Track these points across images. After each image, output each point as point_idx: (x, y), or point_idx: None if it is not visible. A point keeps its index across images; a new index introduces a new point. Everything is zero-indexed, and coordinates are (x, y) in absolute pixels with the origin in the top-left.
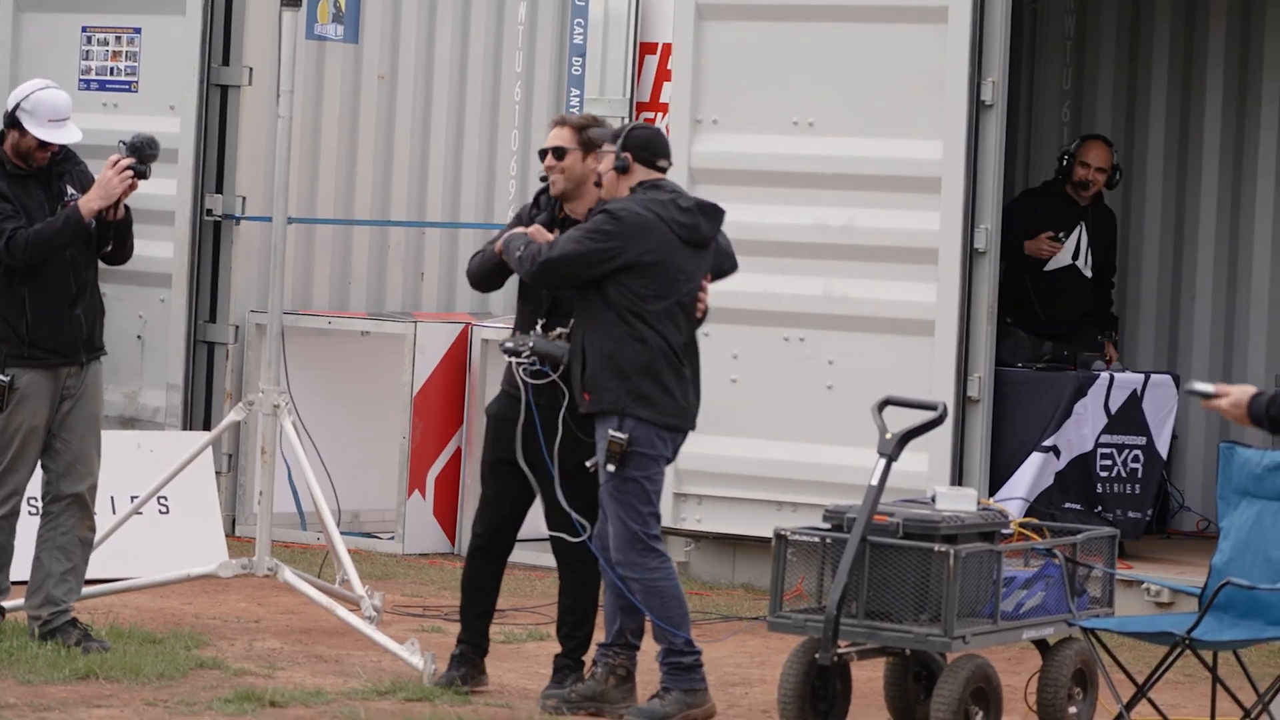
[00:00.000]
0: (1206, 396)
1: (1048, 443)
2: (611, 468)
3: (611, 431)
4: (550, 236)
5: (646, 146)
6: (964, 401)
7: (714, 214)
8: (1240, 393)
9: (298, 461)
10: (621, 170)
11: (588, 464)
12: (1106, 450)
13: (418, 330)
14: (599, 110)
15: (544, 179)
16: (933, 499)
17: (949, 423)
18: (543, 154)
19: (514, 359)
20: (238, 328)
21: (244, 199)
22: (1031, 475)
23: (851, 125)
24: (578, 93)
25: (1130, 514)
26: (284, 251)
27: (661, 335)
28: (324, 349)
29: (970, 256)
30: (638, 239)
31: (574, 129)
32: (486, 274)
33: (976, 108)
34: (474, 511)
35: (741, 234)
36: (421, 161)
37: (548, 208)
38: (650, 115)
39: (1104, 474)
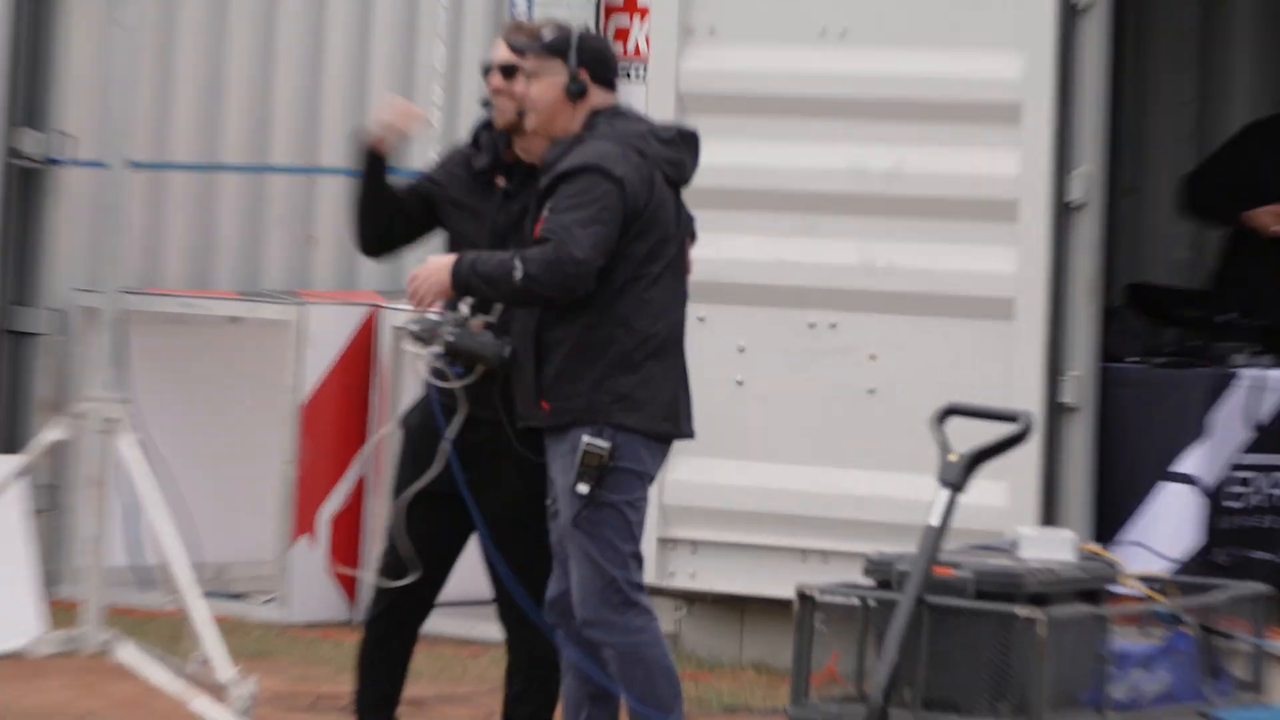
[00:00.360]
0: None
1: (1184, 468)
2: (584, 488)
3: (588, 438)
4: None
5: (604, 61)
6: (1056, 410)
7: (695, 144)
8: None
9: (142, 496)
10: (577, 95)
11: (550, 501)
12: (1245, 475)
13: (306, 315)
14: (555, 13)
15: (486, 105)
16: (1015, 545)
17: (1036, 439)
18: (486, 71)
19: (416, 349)
20: (59, 313)
21: (69, 137)
22: (1172, 520)
23: (898, 33)
24: None
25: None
26: (123, 208)
27: (648, 313)
28: (179, 341)
29: (1062, 211)
30: (640, 195)
31: (530, 38)
32: (368, 211)
33: (1070, 11)
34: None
35: (748, 182)
36: (312, 87)
37: (490, 148)
38: (624, 21)
39: (1235, 504)
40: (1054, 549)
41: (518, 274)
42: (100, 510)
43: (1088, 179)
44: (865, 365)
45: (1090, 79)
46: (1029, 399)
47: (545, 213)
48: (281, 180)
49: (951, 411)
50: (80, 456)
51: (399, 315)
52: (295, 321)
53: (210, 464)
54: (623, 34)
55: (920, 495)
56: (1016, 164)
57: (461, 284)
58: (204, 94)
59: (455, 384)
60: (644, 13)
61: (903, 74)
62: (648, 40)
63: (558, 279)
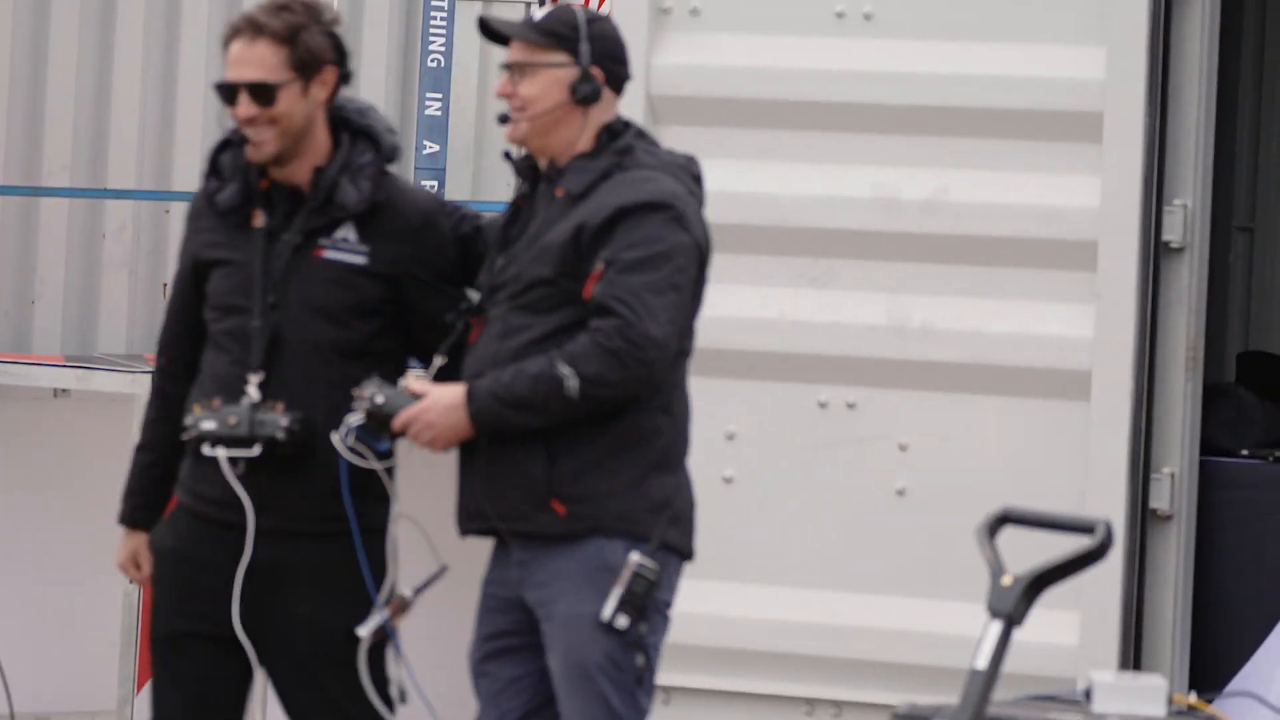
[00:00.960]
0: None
1: None
2: (624, 621)
3: (639, 558)
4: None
5: (619, 55)
6: (1144, 518)
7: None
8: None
9: None
10: (589, 100)
11: (362, 630)
12: None
13: None
14: None
15: (235, 137)
16: (1088, 695)
17: (1117, 555)
18: (228, 93)
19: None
20: None
21: None
22: None
23: (939, 20)
24: None
25: None
26: None
27: (683, 398)
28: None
29: (1156, 255)
30: (706, 249)
31: (276, 40)
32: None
33: None
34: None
35: (741, 215)
36: (164, 87)
37: (237, 175)
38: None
39: None
40: (1138, 701)
41: (570, 384)
42: None
43: (1188, 214)
44: (893, 458)
45: (1193, 83)
46: (1108, 503)
47: (599, 265)
48: (123, 209)
49: (1006, 520)
50: None
51: None
52: (142, 395)
53: (30, 584)
54: None
55: (964, 630)
56: (1096, 193)
57: (488, 422)
58: (20, 99)
59: (377, 465)
60: None
61: (945, 73)
62: None
63: (630, 371)
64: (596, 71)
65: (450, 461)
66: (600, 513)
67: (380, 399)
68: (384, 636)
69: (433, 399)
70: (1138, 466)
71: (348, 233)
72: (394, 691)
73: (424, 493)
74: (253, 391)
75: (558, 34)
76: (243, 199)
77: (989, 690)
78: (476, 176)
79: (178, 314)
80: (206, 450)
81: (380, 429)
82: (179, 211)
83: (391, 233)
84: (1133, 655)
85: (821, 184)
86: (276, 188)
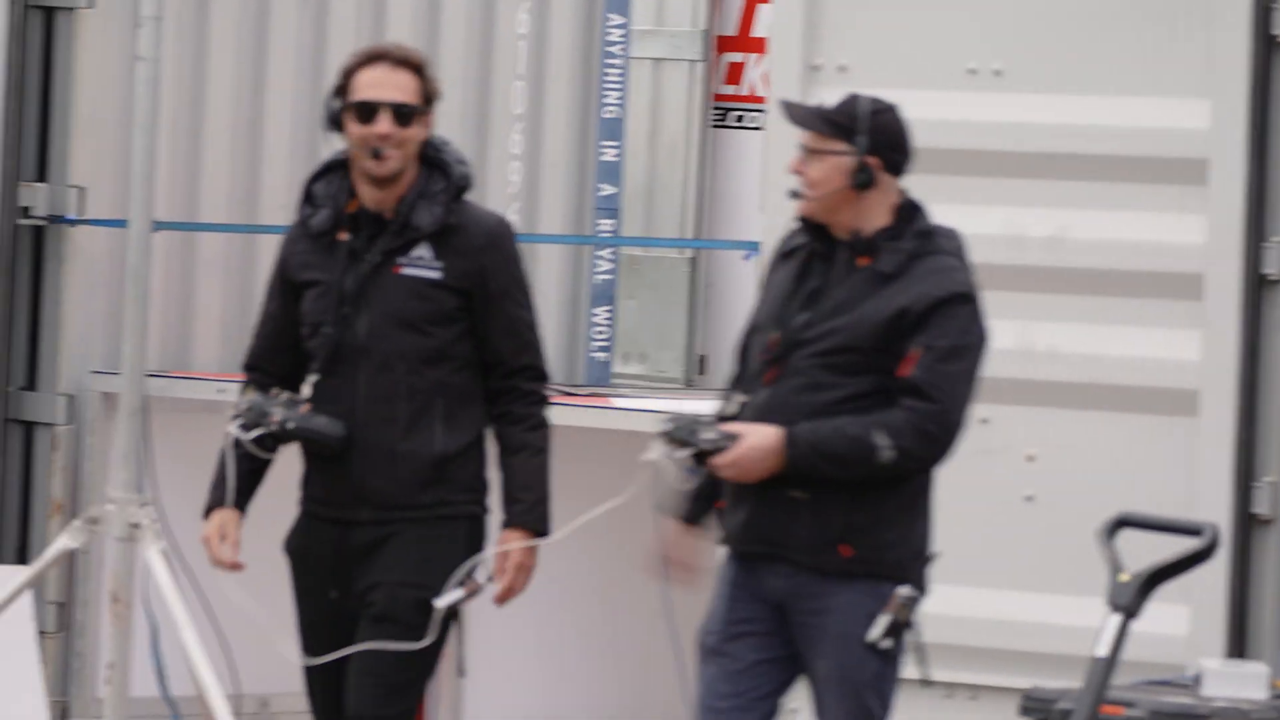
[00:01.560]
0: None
1: None
2: (888, 644)
3: (905, 590)
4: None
5: (898, 144)
6: (1247, 522)
7: None
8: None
9: (170, 616)
10: (865, 186)
11: (439, 601)
12: None
13: None
14: (655, 47)
15: (332, 164)
16: (1197, 680)
17: (1223, 555)
18: (368, 111)
19: (664, 454)
20: (71, 398)
21: (82, 191)
22: None
23: (1062, 76)
24: (619, 20)
25: None
26: (147, 276)
27: None
28: (211, 433)
29: (1257, 286)
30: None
31: (414, 72)
32: None
33: (1267, 46)
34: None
35: None
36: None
37: (329, 201)
38: (737, 58)
39: None
40: (1243, 685)
41: (885, 454)
42: (122, 632)
43: None
44: (1022, 467)
45: None
46: (1215, 508)
47: (917, 349)
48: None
49: (1123, 523)
50: (98, 569)
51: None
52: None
53: (250, 577)
54: (737, 72)
55: (1086, 621)
56: (1202, 230)
57: (800, 468)
58: (242, 141)
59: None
60: (762, 48)
61: (1066, 123)
62: (766, 80)
63: (935, 452)
64: (874, 160)
65: None
66: (880, 559)
67: (710, 438)
68: (453, 614)
69: (752, 443)
70: (1241, 475)
71: (423, 251)
72: (455, 666)
73: None
74: (306, 390)
75: (840, 125)
76: (333, 223)
77: (1109, 675)
78: (648, 215)
79: (269, 333)
80: (232, 431)
81: (698, 462)
82: None
83: (461, 251)
84: (1238, 644)
85: (956, 222)
86: (363, 213)
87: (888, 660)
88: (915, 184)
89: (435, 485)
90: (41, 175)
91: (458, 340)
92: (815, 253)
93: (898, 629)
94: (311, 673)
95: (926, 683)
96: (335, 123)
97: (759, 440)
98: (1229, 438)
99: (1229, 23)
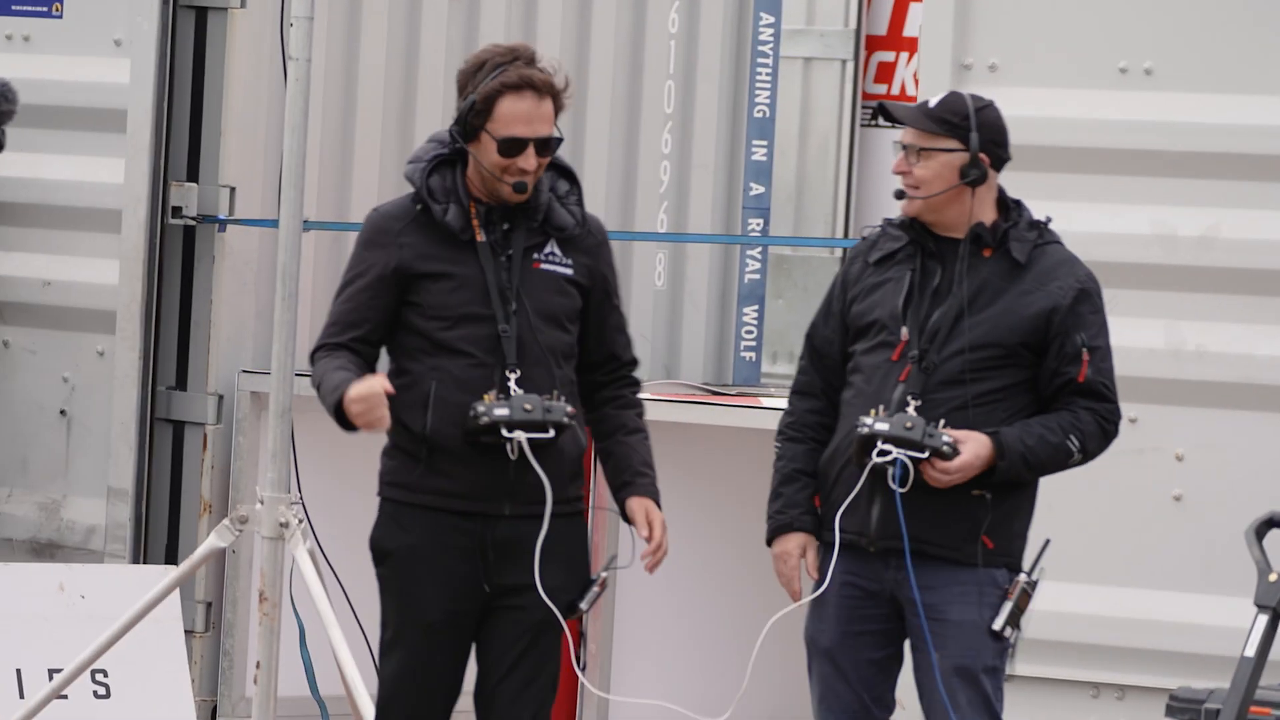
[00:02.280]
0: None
1: None
2: (1010, 631)
3: (1025, 577)
4: None
5: (1001, 140)
6: None
7: None
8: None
9: (319, 616)
10: (977, 182)
11: (585, 604)
12: None
13: None
14: (807, 47)
15: (518, 187)
16: None
17: None
18: (517, 147)
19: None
20: (221, 398)
21: (233, 191)
22: None
23: (1214, 74)
24: (770, 19)
25: None
26: (297, 276)
27: None
28: (360, 434)
29: None
30: None
31: (555, 101)
32: None
33: None
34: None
35: None
36: None
37: (450, 195)
38: (888, 57)
39: None
40: None
41: (1076, 458)
42: (270, 631)
43: None
44: (1171, 467)
45: None
46: None
47: (1084, 350)
48: None
49: (1273, 523)
50: (247, 568)
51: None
52: None
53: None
54: (887, 71)
55: (1235, 621)
56: None
57: (1006, 477)
58: (393, 141)
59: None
60: (912, 47)
61: (1219, 123)
62: (916, 79)
63: (1105, 449)
64: (984, 156)
65: None
66: (1011, 549)
67: (948, 441)
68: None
69: (975, 450)
70: None
71: (554, 248)
72: (578, 660)
73: None
74: (515, 388)
75: (950, 123)
76: (465, 219)
77: (1257, 675)
78: (798, 214)
79: (365, 309)
80: (504, 434)
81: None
82: None
83: (585, 249)
84: None
85: (1107, 221)
86: (493, 209)
87: (1004, 650)
88: (1065, 183)
89: (575, 480)
90: (192, 175)
91: (581, 338)
92: (927, 251)
93: (1017, 616)
94: (421, 670)
95: (1076, 683)
96: (468, 134)
97: (979, 449)
98: None
99: None
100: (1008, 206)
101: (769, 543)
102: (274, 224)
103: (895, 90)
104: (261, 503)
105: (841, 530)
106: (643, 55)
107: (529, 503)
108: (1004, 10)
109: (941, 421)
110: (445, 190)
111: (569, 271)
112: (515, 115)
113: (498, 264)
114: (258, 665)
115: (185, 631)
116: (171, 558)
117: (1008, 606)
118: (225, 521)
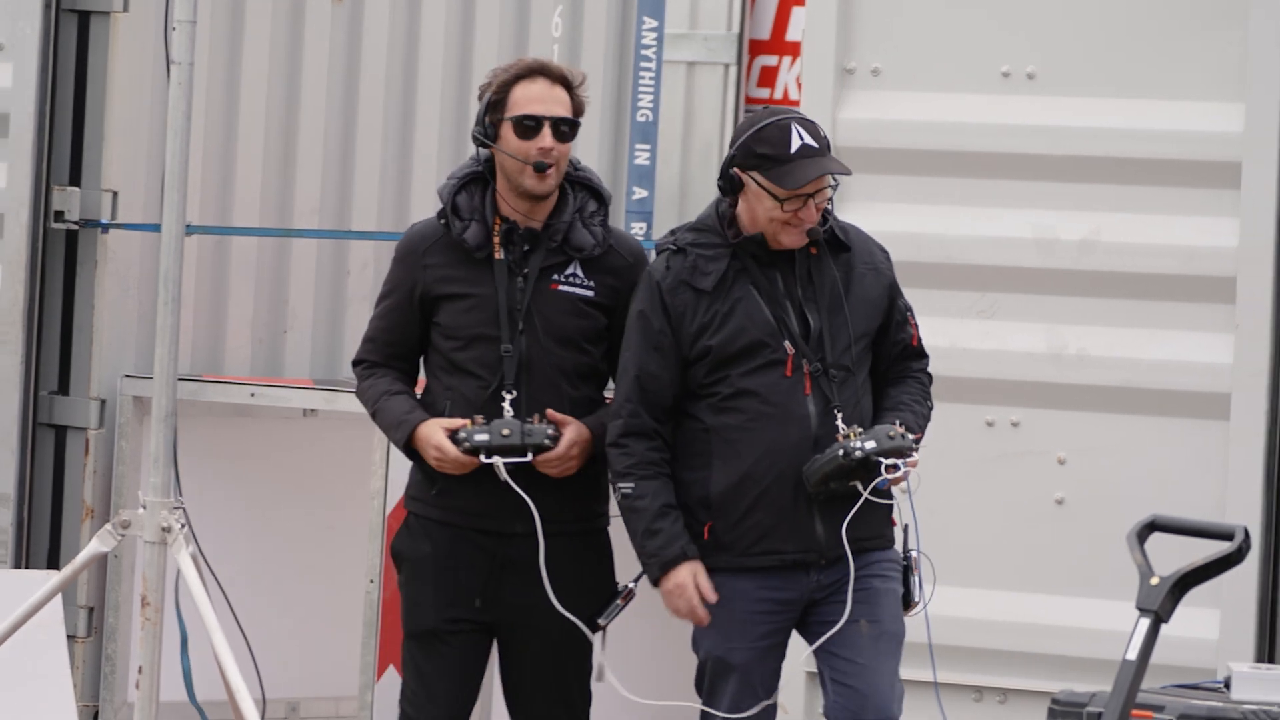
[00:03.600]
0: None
1: None
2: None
3: (914, 554)
4: None
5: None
6: (1278, 525)
7: None
8: None
9: (201, 621)
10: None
11: (603, 619)
12: None
13: None
14: (690, 51)
15: (539, 166)
16: (1227, 684)
17: (1253, 559)
18: (532, 126)
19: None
20: (103, 403)
21: (115, 195)
22: None
23: (1096, 79)
24: (653, 23)
25: None
26: (180, 280)
27: None
28: (244, 438)
29: None
30: None
31: (569, 89)
32: None
33: None
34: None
35: (915, 254)
36: (403, 137)
37: (476, 215)
38: (771, 61)
39: None
40: (1273, 689)
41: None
42: (153, 636)
43: None
44: (1053, 471)
45: None
46: (1246, 512)
47: (908, 314)
48: (365, 248)
49: (1154, 526)
50: (129, 573)
51: None
52: None
53: (280, 583)
54: (770, 75)
55: (1116, 625)
56: (1234, 234)
57: None
58: (276, 145)
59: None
60: (795, 51)
61: (1100, 127)
62: (799, 83)
63: None
64: None
65: None
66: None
67: (911, 438)
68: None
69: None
70: (1272, 478)
71: (575, 269)
72: (594, 673)
73: None
74: (508, 408)
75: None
76: (485, 237)
77: (1139, 679)
78: (681, 218)
79: (397, 329)
80: (483, 459)
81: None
82: None
83: (611, 270)
84: (1268, 649)
85: (988, 226)
86: (515, 228)
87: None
88: (947, 187)
89: (590, 498)
90: (75, 179)
91: (605, 357)
92: (761, 262)
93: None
94: (433, 684)
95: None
96: (486, 135)
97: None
98: (1260, 441)
99: (1262, 25)
100: None
101: (657, 581)
102: (156, 228)
103: (779, 95)
104: (144, 507)
105: (781, 552)
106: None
107: (546, 521)
108: (887, 14)
109: (898, 421)
110: (471, 207)
111: (589, 293)
112: (530, 97)
113: (512, 284)
114: (140, 670)
115: (67, 636)
116: (54, 563)
117: (915, 579)
118: (108, 526)
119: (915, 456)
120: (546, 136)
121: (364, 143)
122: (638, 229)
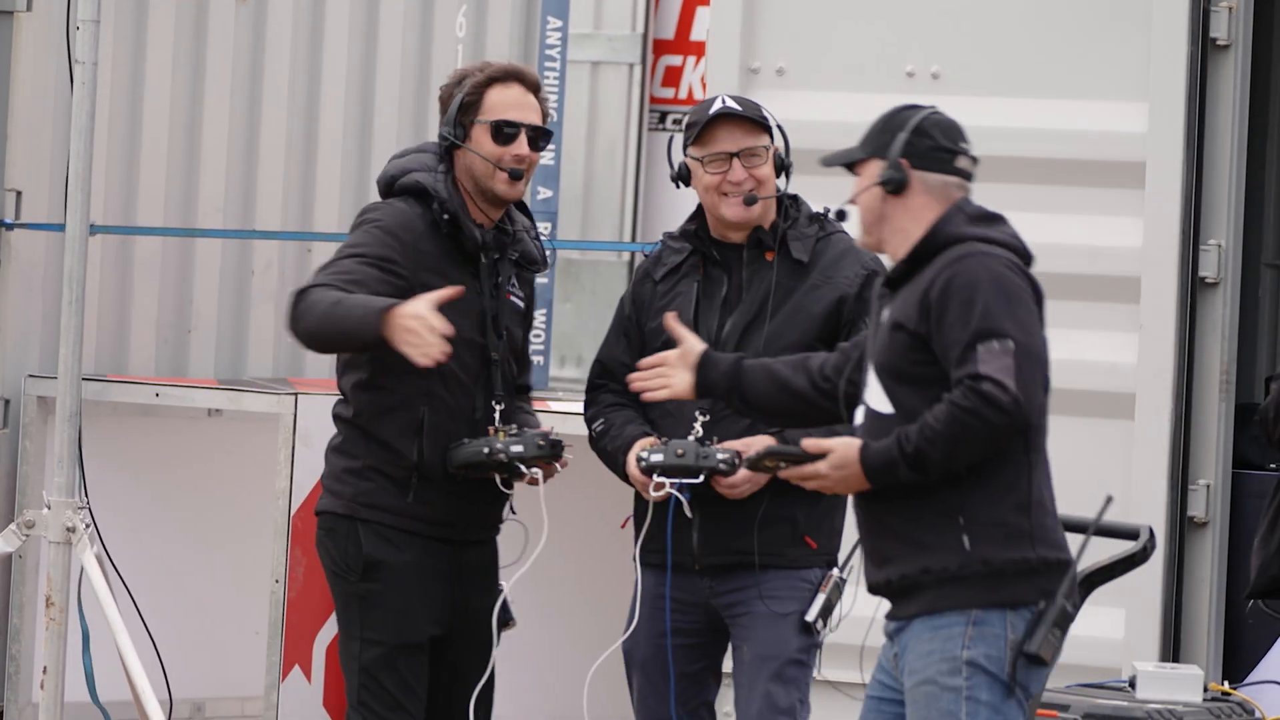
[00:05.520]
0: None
1: None
2: (821, 624)
3: (838, 573)
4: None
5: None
6: (1182, 525)
7: None
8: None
9: (105, 621)
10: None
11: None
12: None
13: (299, 407)
14: (595, 51)
15: (514, 174)
16: (1131, 683)
17: (1158, 559)
18: (509, 132)
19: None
20: (7, 402)
21: (19, 195)
22: None
23: (1000, 79)
24: (557, 23)
25: None
26: (84, 280)
27: None
28: (149, 438)
29: (1194, 290)
30: None
31: (539, 97)
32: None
33: (1203, 49)
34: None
35: None
36: (306, 136)
37: (462, 211)
38: (675, 61)
39: None
40: (1177, 688)
41: None
42: (57, 636)
43: (1222, 252)
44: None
45: (1226, 135)
46: (1150, 512)
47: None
48: (270, 248)
49: (1065, 528)
50: (32, 574)
51: None
52: (288, 415)
53: (185, 583)
54: (674, 75)
55: None
56: (1138, 234)
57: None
58: (180, 144)
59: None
60: (700, 51)
61: (1005, 126)
62: (704, 83)
63: None
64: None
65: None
66: (830, 546)
67: (722, 459)
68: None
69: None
70: (1177, 479)
71: (513, 278)
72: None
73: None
74: (496, 418)
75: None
76: (479, 239)
77: (1044, 680)
78: (585, 217)
79: (363, 286)
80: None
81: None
82: (320, 250)
83: (528, 281)
84: (1172, 648)
85: None
86: (491, 233)
87: (813, 643)
88: (845, 190)
89: (503, 501)
90: None
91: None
92: (711, 260)
93: (829, 609)
94: (415, 693)
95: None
96: (458, 136)
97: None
98: (1164, 440)
99: (1167, 26)
100: (784, 205)
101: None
102: (61, 228)
103: (683, 95)
104: (48, 507)
105: (661, 550)
106: (430, 59)
107: (485, 527)
108: (791, 14)
109: (715, 438)
110: (451, 202)
111: (521, 304)
112: (506, 102)
113: (489, 290)
114: (44, 671)
115: None
116: None
117: (820, 599)
118: (11, 526)
119: (732, 476)
120: (523, 144)
121: (267, 142)
122: (543, 229)
